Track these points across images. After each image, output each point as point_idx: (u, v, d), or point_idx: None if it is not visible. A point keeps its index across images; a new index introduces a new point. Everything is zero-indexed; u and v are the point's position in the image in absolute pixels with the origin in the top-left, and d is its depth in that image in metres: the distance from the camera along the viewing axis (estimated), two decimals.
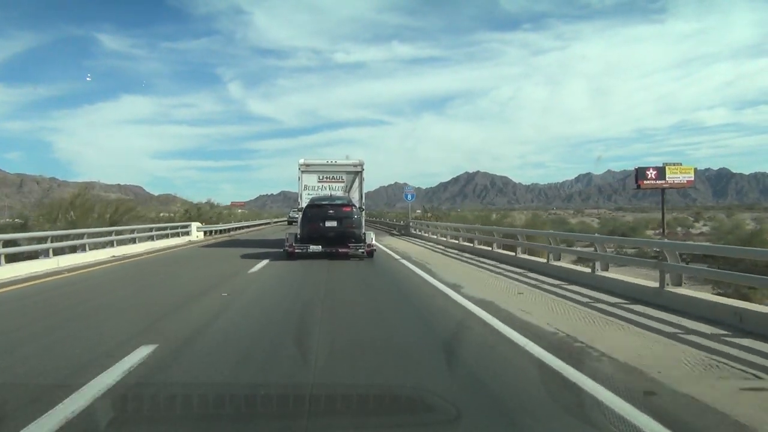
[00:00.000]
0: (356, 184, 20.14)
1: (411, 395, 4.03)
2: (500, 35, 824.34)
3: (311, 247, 15.07)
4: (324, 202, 15.89)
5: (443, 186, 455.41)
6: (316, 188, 20.04)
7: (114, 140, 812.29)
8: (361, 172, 20.02)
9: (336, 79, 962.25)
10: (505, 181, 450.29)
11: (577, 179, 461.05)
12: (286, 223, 62.81)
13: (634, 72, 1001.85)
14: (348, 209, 15.60)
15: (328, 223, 15.23)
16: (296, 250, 15.08)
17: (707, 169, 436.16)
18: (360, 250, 15.46)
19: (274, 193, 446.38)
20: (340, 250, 15.29)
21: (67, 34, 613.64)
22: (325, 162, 20.25)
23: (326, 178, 20.16)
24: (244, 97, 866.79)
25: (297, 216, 61.32)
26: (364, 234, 15.92)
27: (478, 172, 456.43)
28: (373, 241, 16.15)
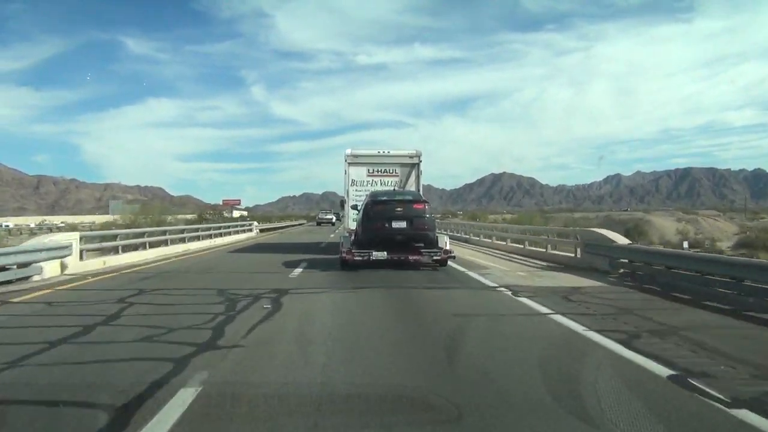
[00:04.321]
0: (412, 178, 17.36)
1: None
2: (523, 36, 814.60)
3: (375, 253, 12.17)
4: (389, 198, 12.99)
5: (468, 187, 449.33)
6: (365, 183, 17.38)
7: (139, 143, 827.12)
8: (418, 164, 17.29)
9: (358, 81, 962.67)
10: (532, 183, 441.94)
11: (606, 180, 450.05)
12: (315, 224, 60.88)
13: (660, 72, 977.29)
14: (420, 207, 12.66)
15: (396, 224, 12.31)
16: (355, 258, 12.18)
17: (742, 170, 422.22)
18: (435, 257, 12.53)
19: (296, 195, 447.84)
20: (410, 258, 12.38)
21: (94, 39, 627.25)
22: (376, 152, 17.52)
23: (377, 171, 17.44)
24: (267, 100, 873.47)
25: (328, 217, 60.00)
26: (437, 237, 13.00)
27: (504, 173, 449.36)
28: (448, 245, 13.21)
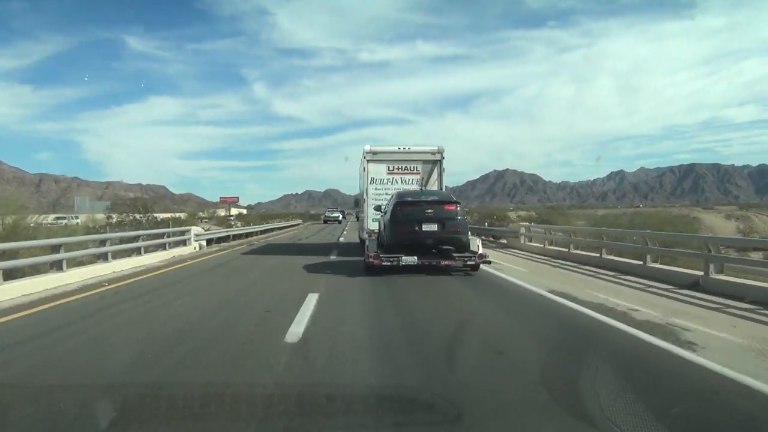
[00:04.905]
0: (434, 176, 16.41)
1: None
2: (526, 33, 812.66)
3: (404, 258, 11.17)
4: (419, 199, 11.96)
5: (471, 184, 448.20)
6: (384, 181, 16.43)
7: (141, 141, 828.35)
8: (440, 161, 16.35)
9: (360, 79, 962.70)
10: (535, 179, 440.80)
11: (609, 177, 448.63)
12: (322, 222, 60.10)
13: (663, 69, 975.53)
14: (451, 208, 11.61)
15: (426, 227, 11.27)
16: (383, 263, 11.20)
17: (746, 166, 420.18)
18: (469, 262, 11.53)
19: (299, 193, 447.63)
20: (442, 263, 11.39)
21: (96, 37, 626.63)
22: (396, 149, 16.59)
23: (397, 168, 16.50)
24: (269, 98, 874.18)
25: (334, 215, 59.03)
26: (469, 240, 12.01)
27: (507, 170, 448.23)
28: (480, 248, 12.23)
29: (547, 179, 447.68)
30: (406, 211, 11.47)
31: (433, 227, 11.28)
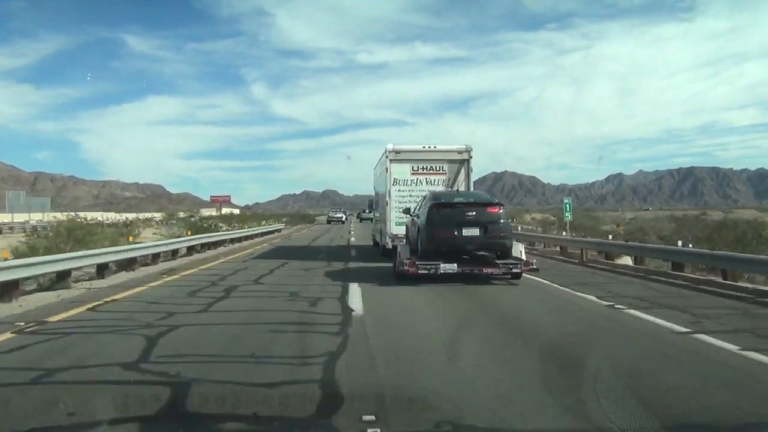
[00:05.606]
0: (461, 176, 15.45)
1: None
2: (524, 35, 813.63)
3: (443, 265, 10.06)
4: (458, 200, 10.90)
5: None
6: (408, 182, 15.52)
7: (140, 140, 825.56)
8: (468, 160, 15.41)
9: (359, 80, 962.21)
10: (534, 182, 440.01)
11: (608, 179, 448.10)
12: (326, 222, 60.07)
13: (662, 72, 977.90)
14: (495, 210, 10.52)
15: (467, 231, 10.18)
16: (420, 271, 10.08)
17: (745, 169, 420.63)
18: (514, 270, 10.45)
19: (297, 193, 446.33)
20: (484, 271, 10.30)
21: (96, 36, 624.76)
22: (420, 148, 15.66)
23: (422, 168, 15.56)
24: (268, 98, 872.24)
25: (338, 216, 57.64)
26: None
27: (505, 171, 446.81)
28: (523, 254, 11.17)
29: (546, 181, 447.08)
30: (444, 214, 10.38)
31: (475, 232, 10.20)
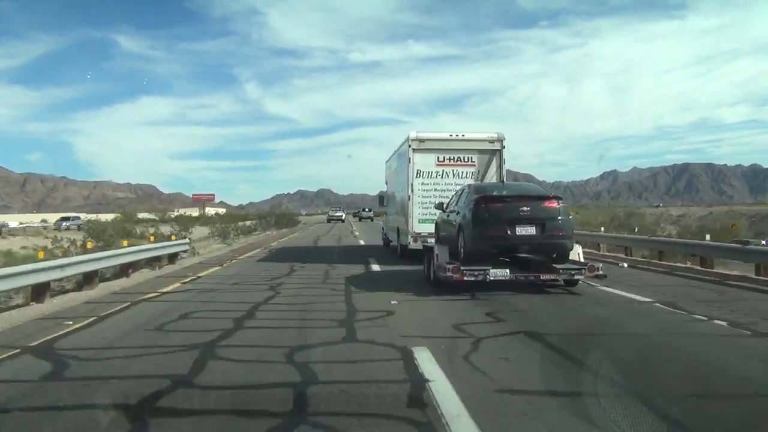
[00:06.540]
0: (493, 168, 13.79)
1: None
2: (517, 33, 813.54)
3: (492, 271, 8.35)
4: (506, 193, 9.18)
5: None
6: (433, 174, 13.88)
7: (132, 141, 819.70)
8: (500, 150, 13.73)
9: (352, 79, 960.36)
10: (529, 179, 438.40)
11: (602, 177, 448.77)
12: (325, 221, 59.65)
13: (654, 69, 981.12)
14: (553, 205, 8.80)
15: (522, 230, 8.44)
16: (465, 278, 8.37)
17: (739, 165, 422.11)
18: (577, 276, 8.79)
19: (291, 192, 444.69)
20: (542, 277, 8.61)
21: (87, 37, 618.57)
22: (447, 136, 14.02)
23: (449, 159, 13.92)
24: (260, 97, 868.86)
25: (338, 214, 55.88)
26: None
27: None
28: (581, 257, 9.51)
29: (540, 179, 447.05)
30: (493, 210, 8.61)
31: (531, 230, 8.45)
